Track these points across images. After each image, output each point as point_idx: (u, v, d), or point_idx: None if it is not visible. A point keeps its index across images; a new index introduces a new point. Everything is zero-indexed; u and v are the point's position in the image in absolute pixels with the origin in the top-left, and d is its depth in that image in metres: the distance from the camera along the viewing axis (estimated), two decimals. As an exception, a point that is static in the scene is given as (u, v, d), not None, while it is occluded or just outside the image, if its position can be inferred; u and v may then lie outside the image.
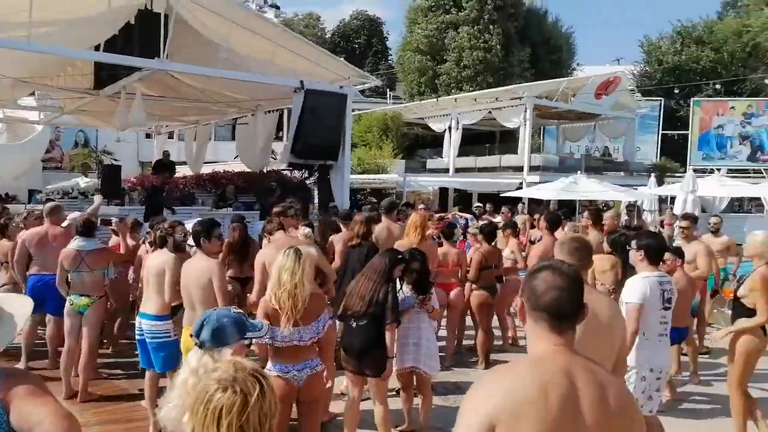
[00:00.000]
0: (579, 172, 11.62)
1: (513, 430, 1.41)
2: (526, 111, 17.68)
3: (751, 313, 4.27)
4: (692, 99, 27.24)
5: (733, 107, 26.97)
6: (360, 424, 4.32)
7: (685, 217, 6.73)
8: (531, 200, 14.16)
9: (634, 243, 3.82)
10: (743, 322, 5.46)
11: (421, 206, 11.52)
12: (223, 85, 11.23)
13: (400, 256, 4.11)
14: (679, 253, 5.50)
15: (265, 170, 13.45)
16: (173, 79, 10.74)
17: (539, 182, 16.16)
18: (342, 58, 26.03)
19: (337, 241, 6.02)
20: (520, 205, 13.21)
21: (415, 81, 28.86)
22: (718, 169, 25.37)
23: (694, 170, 24.80)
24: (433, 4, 28.34)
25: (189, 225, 5.40)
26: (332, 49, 38.11)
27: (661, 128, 27.40)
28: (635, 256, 3.74)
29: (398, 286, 4.22)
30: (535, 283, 1.59)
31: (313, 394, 3.34)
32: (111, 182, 10.38)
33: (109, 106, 12.12)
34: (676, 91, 24.97)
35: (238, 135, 14.78)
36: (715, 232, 8.60)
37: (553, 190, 10.80)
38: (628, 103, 20.78)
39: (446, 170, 20.61)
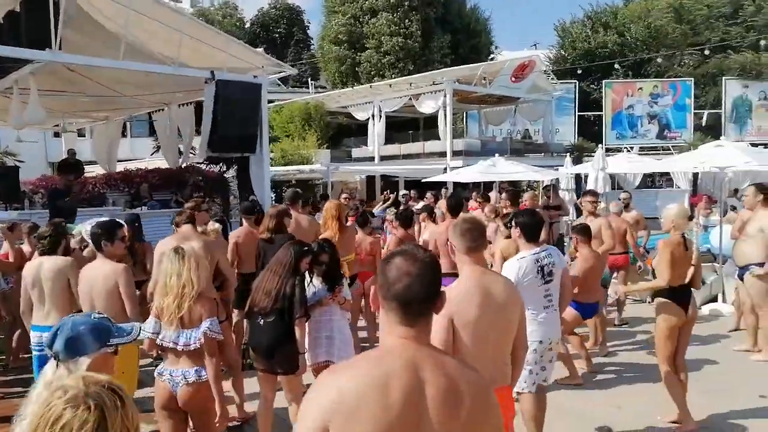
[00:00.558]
0: (497, 154, 11.83)
1: (348, 429, 1.33)
2: (445, 96, 17.86)
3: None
4: (604, 81, 28.48)
5: (640, 88, 28.42)
6: (278, 423, 4.20)
7: (588, 193, 6.95)
8: (456, 184, 14.35)
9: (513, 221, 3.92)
10: (643, 284, 5.76)
11: (345, 196, 11.43)
12: (128, 78, 10.63)
13: (306, 248, 3.98)
14: (585, 230, 5.67)
15: (182, 165, 12.95)
16: (70, 72, 10.05)
17: (462, 167, 16.41)
18: (261, 49, 25.46)
19: (233, 237, 5.83)
20: (443, 190, 13.35)
21: (336, 70, 28.58)
22: (631, 148, 26.82)
23: (608, 149, 26.30)
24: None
25: (88, 227, 5.08)
26: (252, 39, 37.12)
27: (577, 110, 28.49)
28: (514, 233, 3.84)
29: (308, 279, 4.11)
30: (388, 270, 1.50)
31: (190, 405, 3.12)
32: (7, 185, 9.63)
33: (3, 103, 11.26)
34: (579, 72, 25.89)
35: (157, 130, 14.18)
36: (626, 207, 9.01)
37: (473, 173, 10.99)
38: (544, 86, 21.42)
39: (372, 158, 20.57)
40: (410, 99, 19.06)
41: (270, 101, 25.40)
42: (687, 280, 4.43)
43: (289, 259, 3.81)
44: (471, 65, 18.78)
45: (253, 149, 12.32)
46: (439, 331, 2.38)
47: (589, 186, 9.54)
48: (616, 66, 29.18)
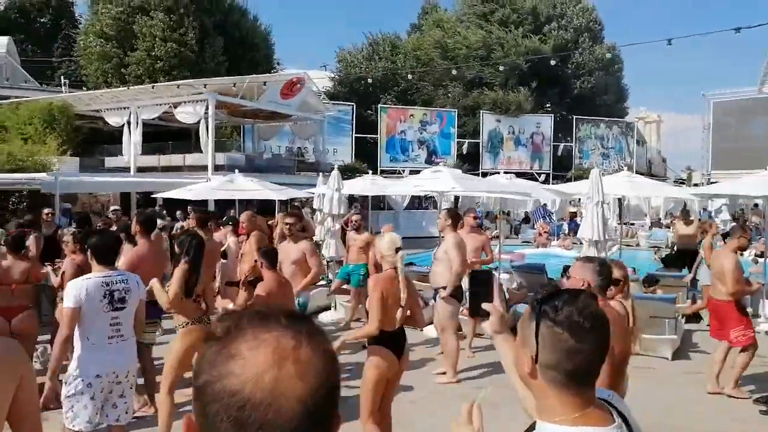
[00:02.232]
0: (239, 173, 11.24)
1: None
2: (207, 107, 16.90)
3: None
4: (379, 106, 29.95)
5: (412, 115, 30.47)
6: None
7: (291, 214, 6.68)
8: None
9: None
10: (354, 332, 5.30)
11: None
12: None
13: None
14: (267, 253, 5.26)
15: None
16: None
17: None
18: (7, 39, 21.68)
19: None
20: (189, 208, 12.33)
21: (100, 69, 25.72)
22: (402, 171, 28.46)
23: (382, 171, 27.61)
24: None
25: None
26: (5, 27, 31.76)
27: (354, 132, 29.45)
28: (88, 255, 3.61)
29: None
30: None
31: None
32: None
33: None
34: (357, 96, 26.93)
35: None
36: (356, 229, 9.03)
37: (207, 189, 10.29)
38: (315, 104, 21.60)
39: (128, 169, 18.62)
40: (170, 107, 17.68)
41: (4, 97, 21.92)
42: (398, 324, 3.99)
43: None
44: (236, 77, 18.07)
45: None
46: None
47: (325, 207, 9.45)
48: (386, 93, 31.06)
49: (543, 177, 31.08)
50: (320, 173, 21.84)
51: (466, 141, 31.30)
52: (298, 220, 6.28)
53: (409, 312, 4.14)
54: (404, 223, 21.32)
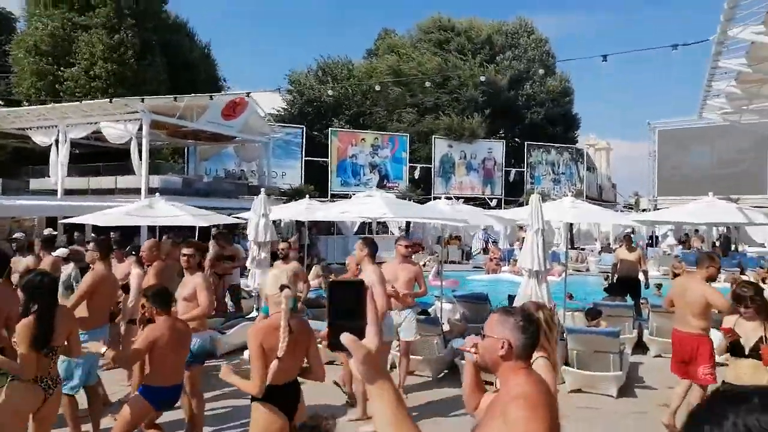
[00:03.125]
0: (160, 197, 10.36)
1: None
2: (141, 126, 15.95)
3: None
4: (330, 129, 29.39)
5: (363, 139, 30.02)
6: None
7: (191, 244, 5.93)
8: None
9: None
10: (236, 380, 4.61)
11: None
12: None
13: None
14: (158, 295, 4.48)
15: None
16: None
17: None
18: None
19: None
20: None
21: (33, 86, 24.36)
22: (353, 194, 27.83)
23: (333, 195, 27.00)
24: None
25: None
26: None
27: (304, 155, 28.75)
28: None
29: None
30: None
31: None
32: None
33: None
34: (308, 119, 26.35)
35: None
36: (284, 258, 8.33)
37: (120, 214, 9.43)
38: (258, 126, 20.86)
39: (54, 192, 17.39)
40: (98, 124, 16.62)
41: None
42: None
43: None
44: (174, 95, 17.20)
45: None
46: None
47: (250, 233, 8.71)
48: (335, 118, 30.63)
49: (495, 202, 31.01)
50: (268, 196, 21.17)
51: (418, 166, 31.01)
52: (197, 250, 5.53)
53: (307, 363, 3.51)
54: (353, 248, 20.78)
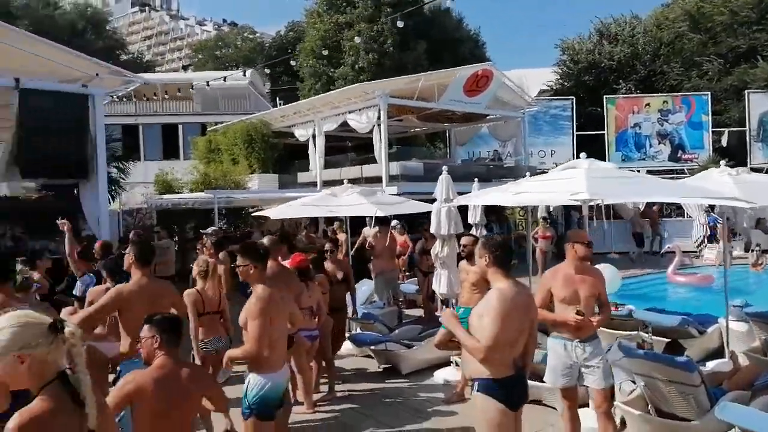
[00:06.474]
0: (349, 186, 9.18)
1: None
2: (379, 112, 15.39)
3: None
4: (605, 97, 25.27)
5: (648, 104, 25.05)
6: None
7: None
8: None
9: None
10: None
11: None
12: None
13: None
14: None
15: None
16: None
17: (398, 194, 13.99)
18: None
19: None
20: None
21: (311, 87, 26.62)
22: (638, 171, 23.42)
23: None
24: (327, 5, 26.31)
25: None
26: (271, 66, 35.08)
27: (575, 129, 25.35)
28: None
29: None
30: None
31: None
32: None
33: None
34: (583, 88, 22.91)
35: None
36: (468, 257, 6.38)
37: (298, 206, 8.56)
38: (510, 100, 18.56)
39: (315, 184, 18.25)
40: (347, 117, 16.70)
41: (219, 122, 23.64)
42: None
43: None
44: (409, 76, 16.25)
45: (86, 174, 10.31)
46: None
47: (432, 226, 6.88)
48: (622, 81, 26.14)
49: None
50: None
51: (726, 130, 24.64)
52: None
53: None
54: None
